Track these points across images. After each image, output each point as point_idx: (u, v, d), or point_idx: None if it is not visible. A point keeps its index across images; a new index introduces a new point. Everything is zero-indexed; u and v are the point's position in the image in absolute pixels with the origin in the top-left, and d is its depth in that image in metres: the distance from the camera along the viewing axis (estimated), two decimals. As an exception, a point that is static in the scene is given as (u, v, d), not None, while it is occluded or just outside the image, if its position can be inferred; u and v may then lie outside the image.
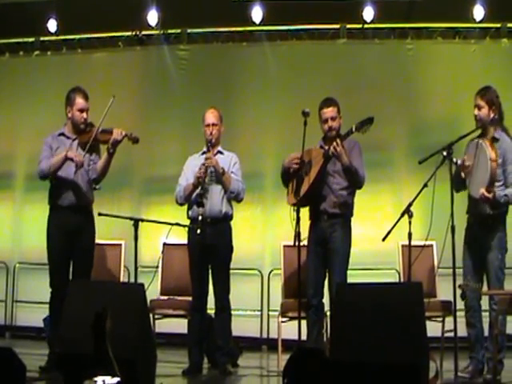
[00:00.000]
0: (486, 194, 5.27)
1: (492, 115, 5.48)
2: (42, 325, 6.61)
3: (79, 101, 5.76)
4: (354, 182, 5.73)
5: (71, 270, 5.73)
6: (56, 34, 8.78)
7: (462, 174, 5.50)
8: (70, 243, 5.68)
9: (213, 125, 6.05)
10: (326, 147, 5.74)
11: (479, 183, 5.34)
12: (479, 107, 5.51)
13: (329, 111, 5.80)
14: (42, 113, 8.51)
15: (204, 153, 6.06)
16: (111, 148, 5.73)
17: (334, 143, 5.55)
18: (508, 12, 8.19)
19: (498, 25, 8.42)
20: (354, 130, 5.50)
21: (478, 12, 8.20)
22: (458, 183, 5.49)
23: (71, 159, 5.63)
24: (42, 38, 8.96)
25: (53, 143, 5.80)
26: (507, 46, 8.37)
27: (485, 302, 5.47)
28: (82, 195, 5.77)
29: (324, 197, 5.73)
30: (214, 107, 6.18)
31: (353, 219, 5.85)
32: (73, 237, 5.69)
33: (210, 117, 6.08)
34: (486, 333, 5.43)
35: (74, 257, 5.72)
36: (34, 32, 8.87)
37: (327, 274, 5.74)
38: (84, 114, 5.78)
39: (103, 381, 3.70)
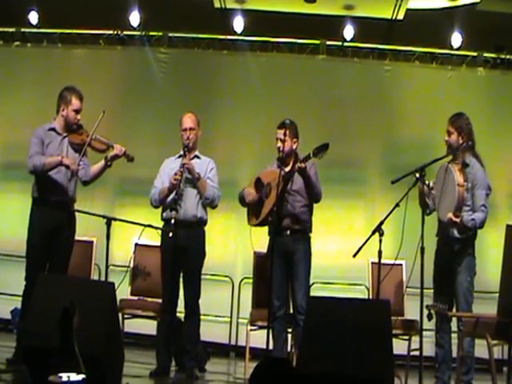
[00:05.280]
0: (454, 218, 5.36)
1: (461, 142, 5.55)
2: (9, 317, 6.55)
3: (76, 102, 5.76)
4: (314, 194, 5.86)
5: (48, 265, 5.67)
6: (37, 26, 8.73)
7: (427, 199, 5.55)
8: (50, 239, 5.63)
9: (190, 129, 6.04)
10: (286, 168, 5.88)
11: (447, 207, 5.43)
12: (449, 133, 5.60)
13: (278, 133, 5.88)
14: (20, 103, 8.46)
15: (180, 156, 6.06)
16: (110, 161, 5.82)
17: (299, 163, 5.65)
18: (485, 42, 8.37)
19: (475, 53, 8.56)
20: (311, 155, 5.58)
21: (456, 39, 8.35)
22: (425, 205, 5.53)
23: (67, 166, 5.62)
24: (22, 30, 8.87)
25: (44, 137, 5.75)
26: (483, 75, 8.54)
27: (455, 324, 5.52)
28: (70, 193, 5.76)
29: (286, 214, 5.84)
30: (191, 112, 6.16)
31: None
32: (54, 233, 5.64)
33: (188, 121, 6.07)
34: (455, 354, 5.47)
35: (53, 253, 5.67)
36: (15, 23, 8.79)
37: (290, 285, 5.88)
38: (78, 116, 5.79)
39: (68, 377, 3.68)
